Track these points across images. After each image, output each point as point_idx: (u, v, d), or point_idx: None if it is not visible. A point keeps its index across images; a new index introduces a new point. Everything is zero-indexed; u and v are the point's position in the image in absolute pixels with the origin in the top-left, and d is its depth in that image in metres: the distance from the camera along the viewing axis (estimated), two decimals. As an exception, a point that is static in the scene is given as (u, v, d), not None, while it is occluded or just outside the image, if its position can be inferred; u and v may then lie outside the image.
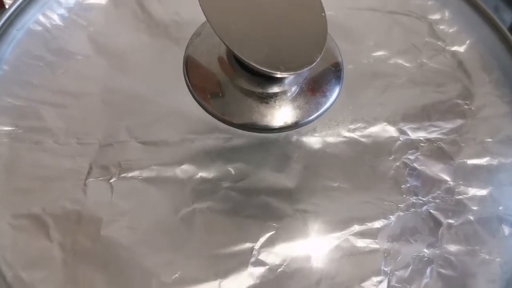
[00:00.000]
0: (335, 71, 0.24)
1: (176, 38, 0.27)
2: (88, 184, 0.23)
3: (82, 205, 0.22)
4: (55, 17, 0.28)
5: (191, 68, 0.23)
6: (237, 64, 0.22)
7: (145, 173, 0.23)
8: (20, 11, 0.28)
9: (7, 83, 0.26)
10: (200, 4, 0.20)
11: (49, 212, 0.22)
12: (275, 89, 0.22)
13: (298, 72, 0.20)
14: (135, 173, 0.23)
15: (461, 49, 0.28)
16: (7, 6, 0.31)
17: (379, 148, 0.24)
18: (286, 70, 0.20)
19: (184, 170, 0.23)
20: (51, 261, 0.21)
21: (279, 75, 0.20)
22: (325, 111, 0.23)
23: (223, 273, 0.21)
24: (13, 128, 0.24)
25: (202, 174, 0.23)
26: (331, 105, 0.23)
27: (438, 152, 0.24)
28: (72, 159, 0.24)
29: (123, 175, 0.23)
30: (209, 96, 0.22)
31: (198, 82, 0.23)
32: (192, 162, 0.23)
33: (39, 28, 0.28)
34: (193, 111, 0.23)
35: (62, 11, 0.29)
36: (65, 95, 0.26)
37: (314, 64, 0.20)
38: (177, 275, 0.21)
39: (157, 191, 0.23)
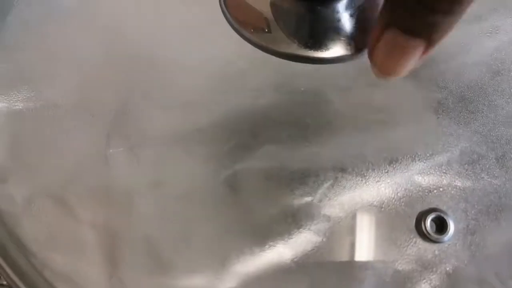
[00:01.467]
0: None
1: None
2: (109, 156, 0.20)
3: (108, 179, 0.20)
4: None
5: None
6: None
7: (172, 138, 0.21)
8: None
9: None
10: None
11: (71, 190, 0.19)
12: (327, 17, 0.20)
13: None
14: (160, 139, 0.21)
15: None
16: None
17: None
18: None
19: (219, 128, 0.21)
20: (83, 244, 0.18)
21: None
22: None
23: (287, 234, 0.18)
24: (9, 104, 0.21)
25: (242, 129, 0.20)
26: None
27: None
28: (86, 131, 0.21)
29: (148, 142, 0.20)
30: (256, 27, 0.19)
31: (239, 15, 0.20)
32: (228, 116, 0.20)
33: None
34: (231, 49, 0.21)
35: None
36: (65, 64, 0.22)
37: None
38: (229, 247, 0.18)
39: (190, 156, 0.20)
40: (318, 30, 0.19)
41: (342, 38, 0.20)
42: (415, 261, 0.18)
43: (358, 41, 0.20)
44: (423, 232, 0.18)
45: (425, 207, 0.18)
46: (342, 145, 0.20)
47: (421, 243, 0.18)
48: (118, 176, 0.20)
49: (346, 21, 0.20)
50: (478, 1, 0.12)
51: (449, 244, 0.18)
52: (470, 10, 0.13)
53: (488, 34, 0.23)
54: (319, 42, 0.19)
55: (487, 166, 0.20)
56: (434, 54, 0.18)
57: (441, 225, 0.18)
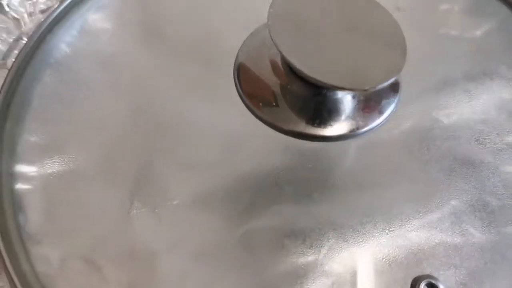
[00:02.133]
0: (392, 85, 0.24)
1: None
2: (133, 217, 0.22)
3: (132, 240, 0.21)
4: (63, 46, 0.27)
5: (243, 76, 0.22)
6: (291, 72, 0.22)
7: (191, 198, 0.22)
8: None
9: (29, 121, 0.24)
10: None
11: (99, 252, 0.21)
12: (332, 99, 0.21)
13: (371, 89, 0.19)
14: (180, 200, 0.22)
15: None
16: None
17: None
18: (362, 85, 0.19)
19: (232, 189, 0.23)
20: (112, 302, 0.20)
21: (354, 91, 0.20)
22: (383, 120, 0.23)
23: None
24: (42, 169, 0.23)
25: (254, 191, 0.22)
26: (386, 118, 0.23)
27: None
28: (111, 194, 0.23)
29: (169, 203, 0.22)
30: (264, 105, 0.21)
31: (251, 90, 0.22)
32: (244, 181, 0.22)
33: (51, 60, 0.26)
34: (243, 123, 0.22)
35: (69, 38, 0.27)
36: (90, 128, 0.24)
37: (391, 81, 0.19)
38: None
39: (208, 216, 0.22)
40: (323, 111, 0.21)
41: (345, 118, 0.21)
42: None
43: (360, 120, 0.22)
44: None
45: (418, 271, 0.20)
46: (351, 207, 0.22)
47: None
48: (142, 236, 0.21)
49: (349, 103, 0.22)
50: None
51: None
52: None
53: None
54: (323, 121, 0.21)
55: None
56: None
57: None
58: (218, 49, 0.25)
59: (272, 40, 0.20)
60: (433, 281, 0.19)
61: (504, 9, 0.29)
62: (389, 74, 0.19)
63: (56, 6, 0.28)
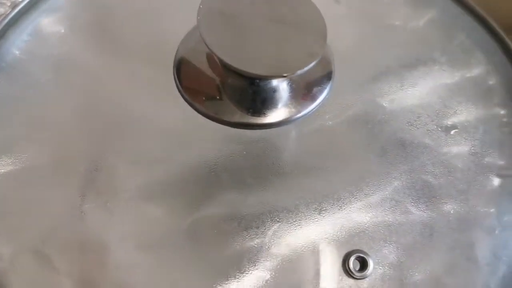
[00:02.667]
0: (325, 69, 0.25)
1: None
2: (84, 211, 0.23)
3: (83, 233, 0.22)
4: (15, 50, 0.28)
5: (182, 71, 0.23)
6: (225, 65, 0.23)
7: (140, 192, 0.23)
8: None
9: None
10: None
11: (50, 245, 0.22)
12: (269, 86, 0.23)
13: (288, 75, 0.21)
14: (130, 194, 0.23)
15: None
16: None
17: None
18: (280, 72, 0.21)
19: (181, 182, 0.24)
20: (63, 293, 0.21)
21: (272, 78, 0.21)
22: (316, 106, 0.24)
23: (239, 273, 0.21)
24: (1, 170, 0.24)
25: (200, 182, 0.23)
26: (319, 104, 0.25)
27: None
28: (62, 190, 0.23)
29: (119, 196, 0.23)
30: (203, 98, 0.23)
31: (190, 85, 0.23)
32: (188, 173, 0.23)
33: (3, 64, 0.27)
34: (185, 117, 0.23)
35: (21, 43, 0.28)
36: (40, 127, 0.25)
37: (309, 67, 0.21)
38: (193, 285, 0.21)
39: (157, 208, 0.23)
40: (258, 100, 0.23)
41: (281, 106, 0.23)
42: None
43: (294, 108, 0.23)
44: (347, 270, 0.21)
45: (351, 247, 0.21)
46: (287, 191, 0.23)
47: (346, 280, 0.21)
48: (93, 229, 0.22)
49: (283, 91, 0.23)
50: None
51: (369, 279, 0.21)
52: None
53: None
54: (259, 110, 0.22)
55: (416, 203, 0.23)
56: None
57: (363, 264, 0.21)
58: (161, 47, 0.26)
59: (200, 34, 0.21)
60: (364, 256, 0.21)
61: None
62: (308, 60, 0.21)
63: (8, 12, 0.29)
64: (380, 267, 0.22)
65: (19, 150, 0.24)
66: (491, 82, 0.28)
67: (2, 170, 0.24)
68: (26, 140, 0.24)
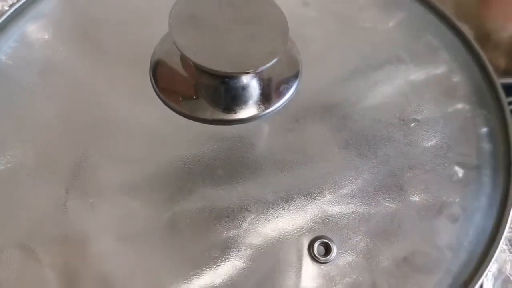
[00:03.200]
0: (293, 68, 0.27)
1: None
2: (68, 206, 0.24)
3: (66, 226, 0.23)
4: (1, 56, 0.29)
5: (158, 72, 0.25)
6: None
7: (122, 188, 0.25)
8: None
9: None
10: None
11: (35, 239, 0.23)
12: (239, 84, 0.24)
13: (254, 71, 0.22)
14: (113, 189, 0.24)
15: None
16: None
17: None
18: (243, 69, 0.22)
19: (160, 178, 0.25)
20: (46, 284, 0.22)
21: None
22: (283, 103, 0.26)
23: (214, 263, 0.22)
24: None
25: (178, 178, 0.25)
26: (289, 98, 0.26)
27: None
28: (47, 188, 0.24)
29: (102, 192, 0.24)
30: (179, 98, 0.24)
31: (165, 85, 0.24)
32: (166, 169, 0.25)
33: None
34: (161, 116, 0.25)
35: (8, 49, 0.29)
36: (26, 129, 0.26)
37: (271, 63, 0.22)
38: (170, 276, 0.22)
39: (137, 203, 0.24)
40: (228, 98, 0.24)
41: (251, 102, 0.25)
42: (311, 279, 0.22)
43: (262, 104, 0.25)
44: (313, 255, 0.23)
45: (316, 234, 0.23)
46: (258, 183, 0.24)
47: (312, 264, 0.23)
48: (76, 224, 0.23)
49: (252, 88, 0.25)
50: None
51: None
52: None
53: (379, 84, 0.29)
54: (230, 107, 0.24)
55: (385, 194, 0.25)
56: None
57: (327, 249, 0.23)
58: (139, 50, 0.27)
59: (171, 36, 0.23)
60: (328, 241, 0.22)
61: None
62: (270, 57, 0.23)
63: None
64: (346, 253, 0.23)
65: (5, 149, 0.25)
66: (455, 80, 0.29)
67: (-11, 169, 0.25)
68: (12, 139, 0.26)
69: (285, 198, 0.24)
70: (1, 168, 0.25)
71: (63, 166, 0.25)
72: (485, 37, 0.41)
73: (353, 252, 0.23)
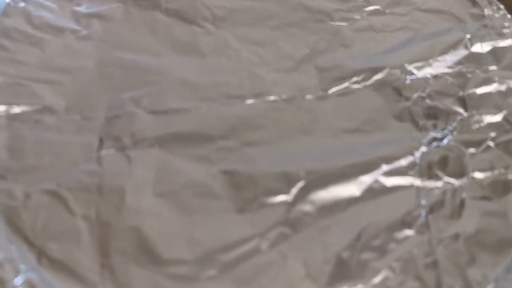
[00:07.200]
0: None
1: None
2: (102, 156, 0.22)
3: (100, 177, 0.21)
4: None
5: None
6: None
7: (161, 142, 0.23)
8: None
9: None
10: None
11: (66, 186, 0.21)
12: None
13: None
14: (150, 142, 0.23)
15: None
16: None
17: (389, 92, 0.25)
18: None
19: (200, 135, 0.23)
20: (77, 234, 0.20)
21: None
22: None
23: (261, 228, 0.20)
24: (8, 108, 0.23)
25: (220, 136, 0.23)
26: None
27: (447, 85, 0.26)
28: (79, 134, 0.23)
29: (138, 144, 0.22)
30: None
31: None
32: (207, 127, 0.23)
33: (21, 4, 0.26)
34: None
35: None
36: (58, 72, 0.24)
37: None
38: (215, 236, 0.20)
39: (177, 158, 0.22)
40: None
41: None
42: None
43: None
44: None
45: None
46: (314, 150, 0.23)
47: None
48: (111, 174, 0.21)
49: None
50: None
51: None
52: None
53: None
54: None
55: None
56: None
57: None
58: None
59: None
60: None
61: None
62: None
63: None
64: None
65: (37, 92, 0.23)
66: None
67: (19, 110, 0.23)
68: (44, 83, 0.24)
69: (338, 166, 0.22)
70: (33, 109, 0.23)
71: (98, 114, 0.23)
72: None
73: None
